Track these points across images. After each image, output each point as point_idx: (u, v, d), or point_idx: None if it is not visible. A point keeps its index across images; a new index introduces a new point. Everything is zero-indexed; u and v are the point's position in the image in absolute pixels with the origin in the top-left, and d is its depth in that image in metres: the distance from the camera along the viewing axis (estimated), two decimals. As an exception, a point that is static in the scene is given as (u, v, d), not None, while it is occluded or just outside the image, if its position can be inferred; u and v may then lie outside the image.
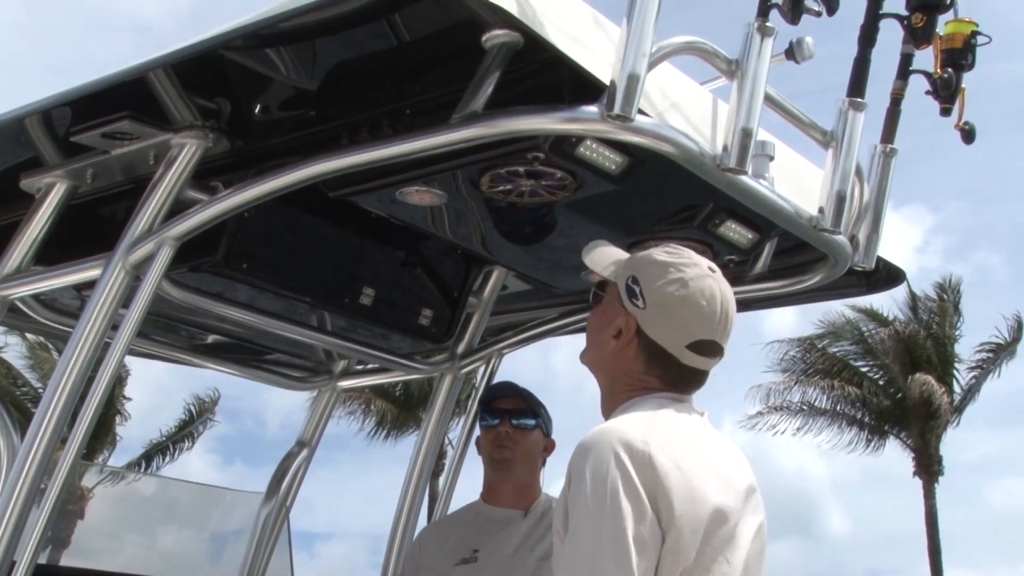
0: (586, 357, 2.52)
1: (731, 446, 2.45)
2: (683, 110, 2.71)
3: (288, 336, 3.93)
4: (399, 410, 29.65)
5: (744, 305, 3.85)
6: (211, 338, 4.36)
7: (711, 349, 2.39)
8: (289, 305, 3.65)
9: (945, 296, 28.29)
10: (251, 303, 3.59)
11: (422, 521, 4.48)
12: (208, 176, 3.10)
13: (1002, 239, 54.21)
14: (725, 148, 2.60)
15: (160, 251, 2.96)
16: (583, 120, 2.47)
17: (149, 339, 4.23)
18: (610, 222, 3.28)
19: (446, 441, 10.10)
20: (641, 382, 2.38)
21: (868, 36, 2.96)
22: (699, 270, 2.41)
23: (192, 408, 28.90)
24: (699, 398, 2.46)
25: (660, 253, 2.45)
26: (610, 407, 2.39)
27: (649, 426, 2.23)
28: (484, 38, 2.50)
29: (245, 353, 4.54)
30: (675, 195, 3.15)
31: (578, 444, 2.21)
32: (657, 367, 2.37)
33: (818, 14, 2.67)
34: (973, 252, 51.31)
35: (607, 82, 2.42)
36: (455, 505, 4.27)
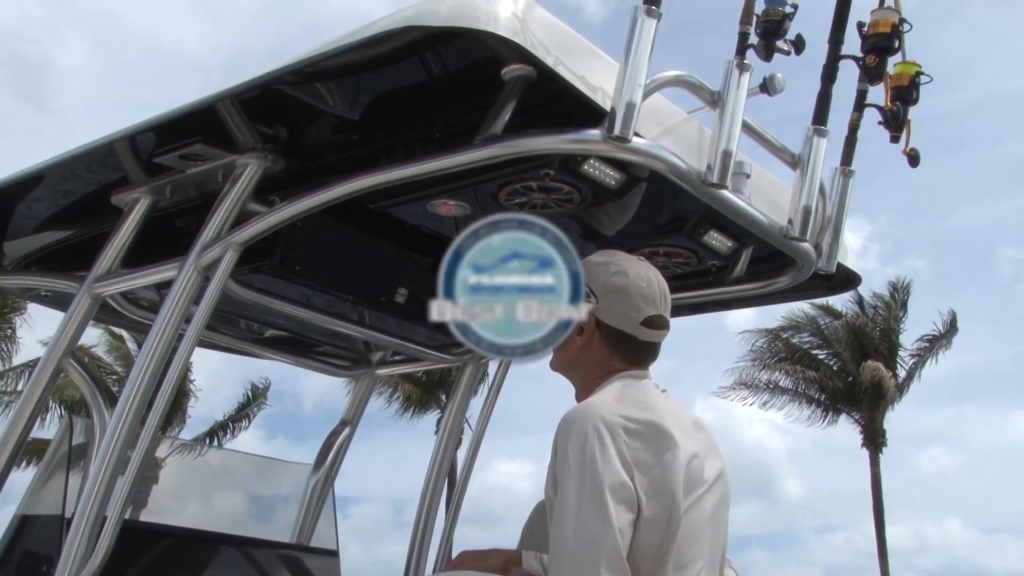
0: (556, 363, 2.54)
1: (692, 414, 2.48)
2: (673, 134, 2.72)
3: (333, 329, 3.94)
4: (422, 391, 29.57)
5: (723, 305, 3.84)
6: (268, 332, 4.36)
7: (660, 323, 2.45)
8: (334, 303, 3.66)
9: (896, 294, 28.42)
10: (302, 301, 3.60)
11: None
12: (267, 191, 3.11)
13: (926, 247, 55.05)
14: (709, 167, 2.61)
15: (226, 255, 2.99)
16: (587, 141, 2.49)
17: (216, 331, 4.24)
18: (611, 230, 3.27)
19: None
20: (607, 367, 2.42)
21: (829, 74, 2.98)
22: (633, 260, 2.49)
23: (248, 393, 29.11)
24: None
25: (598, 257, 2.52)
26: (585, 395, 2.41)
27: (620, 400, 2.28)
28: (503, 72, 2.53)
29: (297, 345, 4.54)
30: (666, 207, 3.15)
31: (561, 420, 2.25)
32: (620, 350, 2.42)
33: (787, 53, 2.71)
34: (903, 258, 51.90)
35: (608, 108, 2.43)
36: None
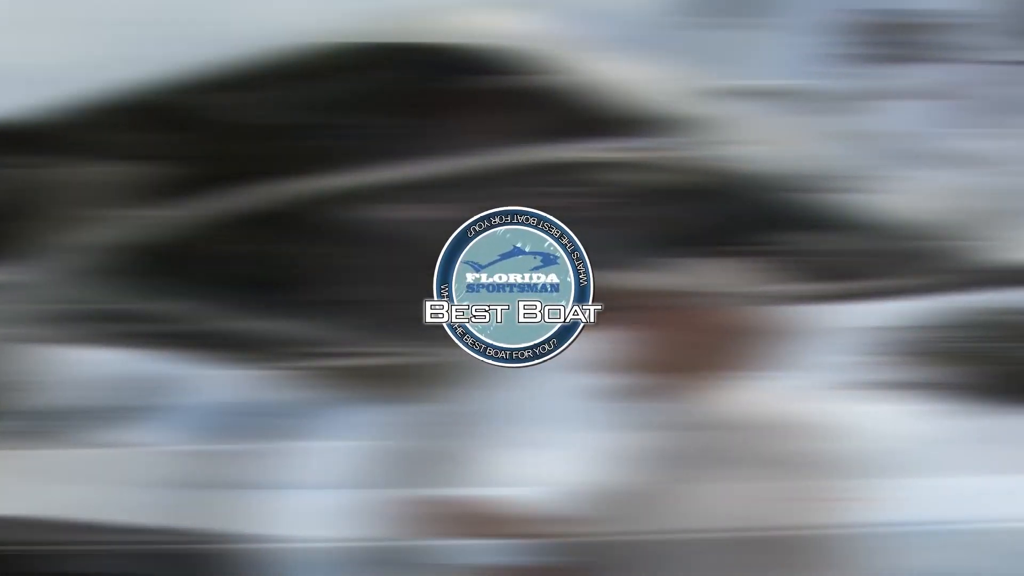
0: (652, 365, 2.35)
1: (814, 409, 2.24)
2: (753, 135, 2.64)
3: (261, 328, 3.64)
4: (370, 381, 29.66)
5: (840, 298, 3.44)
6: (176, 327, 4.13)
7: (770, 317, 2.34)
8: (260, 300, 3.38)
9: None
10: (212, 300, 3.37)
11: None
12: (161, 195, 2.90)
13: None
14: (803, 170, 2.62)
15: (108, 256, 2.87)
16: (632, 149, 2.47)
17: (93, 329, 4.03)
18: (695, 231, 2.94)
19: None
20: (719, 365, 2.31)
21: (992, 76, 2.80)
22: (739, 259, 2.40)
23: (133, 386, 28.51)
24: (804, 372, 2.34)
25: (697, 259, 2.37)
26: (686, 394, 2.25)
27: (735, 397, 2.16)
28: (509, 77, 2.40)
29: (214, 337, 4.31)
30: (750, 210, 2.92)
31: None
32: (731, 348, 2.32)
33: (913, 60, 2.70)
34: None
35: (653, 115, 2.42)
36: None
